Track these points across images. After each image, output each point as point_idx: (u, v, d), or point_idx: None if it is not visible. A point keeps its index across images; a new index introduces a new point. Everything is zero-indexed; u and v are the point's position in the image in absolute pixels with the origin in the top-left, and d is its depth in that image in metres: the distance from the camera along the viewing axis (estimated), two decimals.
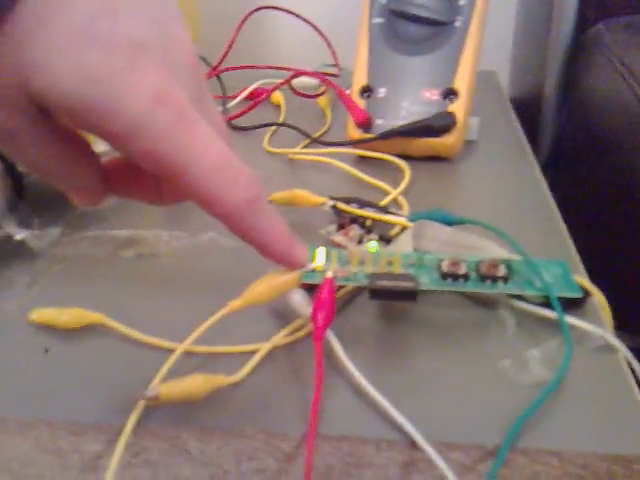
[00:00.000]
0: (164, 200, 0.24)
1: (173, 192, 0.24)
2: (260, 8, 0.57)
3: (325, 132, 0.49)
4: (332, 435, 0.23)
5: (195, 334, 0.25)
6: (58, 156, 0.20)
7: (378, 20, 0.43)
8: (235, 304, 0.26)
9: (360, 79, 0.43)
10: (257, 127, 0.49)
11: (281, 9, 0.57)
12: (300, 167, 0.44)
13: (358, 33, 0.44)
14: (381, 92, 0.43)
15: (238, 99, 0.55)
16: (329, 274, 0.26)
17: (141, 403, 0.23)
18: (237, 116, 0.50)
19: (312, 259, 0.28)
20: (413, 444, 0.22)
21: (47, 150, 0.20)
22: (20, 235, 0.34)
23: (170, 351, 0.26)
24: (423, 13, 0.41)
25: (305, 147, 0.46)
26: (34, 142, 0.19)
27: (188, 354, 0.26)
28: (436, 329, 0.28)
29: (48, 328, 0.28)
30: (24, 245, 0.34)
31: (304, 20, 0.58)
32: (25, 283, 0.32)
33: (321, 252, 0.28)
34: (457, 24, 0.42)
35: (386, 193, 0.39)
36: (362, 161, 0.43)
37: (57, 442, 0.23)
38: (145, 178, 0.23)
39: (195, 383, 0.24)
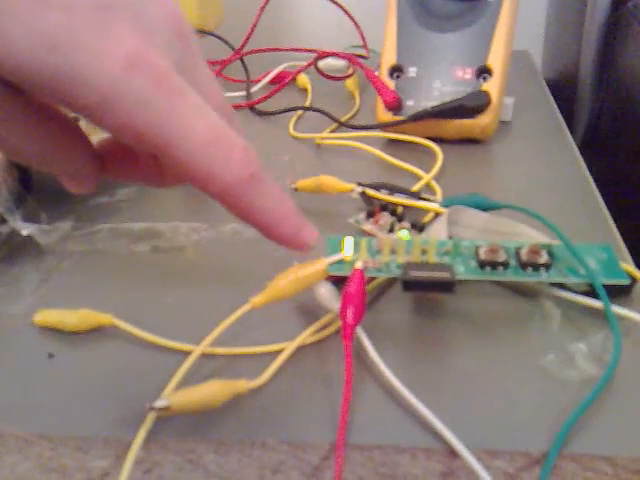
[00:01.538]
0: (165, 181, 0.22)
1: (173, 172, 0.22)
2: None
3: (353, 115, 0.48)
4: (363, 444, 0.21)
5: (213, 335, 0.24)
6: (38, 137, 0.18)
7: None
8: (257, 300, 0.24)
9: (389, 58, 0.42)
10: (283, 111, 0.47)
11: None
12: (327, 152, 0.42)
13: (386, 11, 0.42)
14: (411, 72, 0.41)
15: (262, 82, 0.54)
16: (359, 265, 0.25)
17: (151, 414, 0.22)
18: (262, 100, 0.49)
19: (340, 249, 0.27)
20: (452, 452, 0.20)
21: (21, 131, 0.18)
22: (27, 230, 0.33)
23: (186, 354, 0.24)
24: None
25: (332, 131, 0.45)
26: (3, 122, 0.17)
27: (206, 357, 0.24)
28: (474, 323, 0.26)
29: (53, 331, 0.26)
30: (32, 241, 0.33)
31: (332, 1, 0.56)
32: (32, 281, 0.30)
33: (349, 241, 0.27)
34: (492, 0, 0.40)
35: (417, 178, 0.37)
36: (392, 145, 0.42)
37: (60, 459, 0.22)
38: (141, 157, 0.21)
39: (212, 390, 0.22)
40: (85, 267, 0.31)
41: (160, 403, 0.21)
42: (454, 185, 0.36)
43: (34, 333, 0.27)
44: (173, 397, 0.21)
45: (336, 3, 0.57)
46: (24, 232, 0.32)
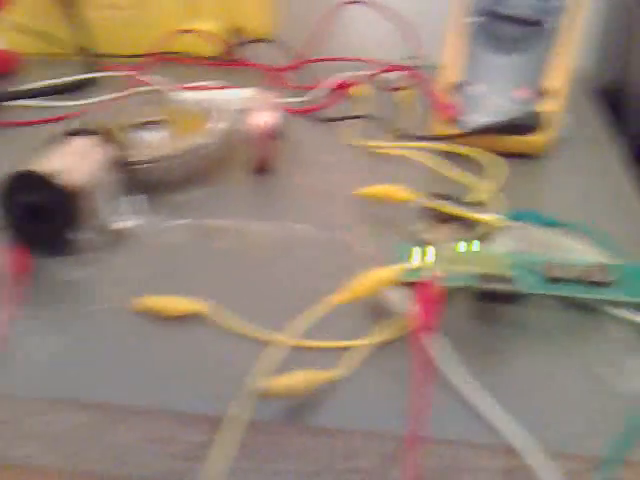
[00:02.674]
0: None
1: None
2: (350, 2, 0.58)
3: (409, 126, 0.49)
4: (432, 437, 0.23)
5: (299, 327, 0.26)
6: None
7: (472, 18, 0.43)
8: (339, 298, 0.27)
9: (450, 75, 0.43)
10: (340, 119, 0.49)
11: (367, 2, 0.57)
12: (382, 161, 0.44)
13: (449, 29, 0.44)
14: (471, 89, 0.43)
15: (319, 91, 0.56)
16: (432, 273, 0.27)
17: (248, 395, 0.24)
18: (320, 108, 0.51)
19: (408, 257, 0.29)
20: (514, 451, 0.22)
21: None
22: (126, 224, 0.36)
23: (269, 343, 0.27)
24: (520, 13, 0.41)
25: (387, 140, 0.46)
26: None
27: (285, 347, 0.27)
28: (534, 332, 0.28)
29: (151, 316, 0.29)
30: (128, 233, 0.36)
31: (389, 13, 0.58)
32: (128, 270, 0.33)
33: (416, 250, 0.29)
34: (551, 24, 0.41)
35: (474, 190, 0.39)
36: (446, 157, 0.44)
37: (161, 431, 0.24)
38: None
39: (299, 379, 0.24)
40: (170, 259, 0.34)
41: (260, 386, 0.23)
42: (510, 199, 0.38)
43: (134, 317, 0.29)
44: (269, 382, 0.24)
45: (393, 16, 0.59)
46: (122, 225, 0.35)
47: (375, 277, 0.28)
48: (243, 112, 0.44)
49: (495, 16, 0.42)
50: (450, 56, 0.44)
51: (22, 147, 0.48)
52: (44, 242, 0.33)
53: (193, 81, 0.57)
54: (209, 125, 0.42)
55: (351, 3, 0.58)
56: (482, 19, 0.43)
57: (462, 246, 0.32)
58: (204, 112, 0.45)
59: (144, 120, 0.44)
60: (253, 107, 0.44)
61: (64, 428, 0.25)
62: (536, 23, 0.41)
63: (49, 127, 0.51)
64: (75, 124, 0.43)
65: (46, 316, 0.30)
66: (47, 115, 0.53)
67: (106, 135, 0.38)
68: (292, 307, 0.29)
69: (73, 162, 0.35)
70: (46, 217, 0.32)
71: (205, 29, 0.65)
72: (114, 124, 0.43)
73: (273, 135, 0.41)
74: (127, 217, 0.36)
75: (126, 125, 0.43)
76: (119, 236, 0.35)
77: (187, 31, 0.65)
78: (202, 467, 0.23)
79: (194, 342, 0.28)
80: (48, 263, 0.33)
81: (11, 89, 0.57)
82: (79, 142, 0.37)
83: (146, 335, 0.28)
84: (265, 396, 0.24)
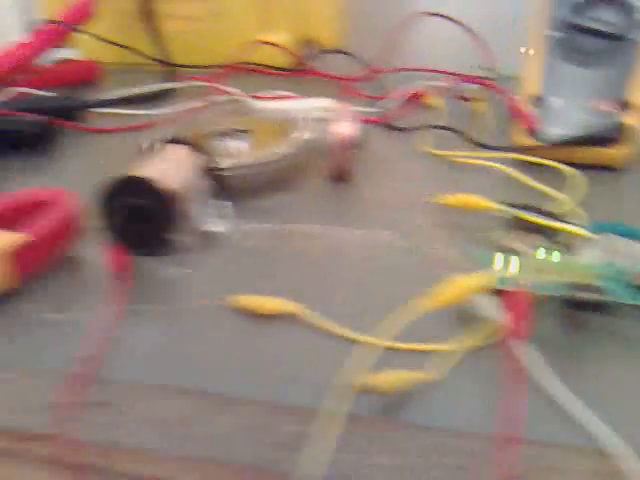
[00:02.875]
0: None
1: None
2: (424, 14, 0.59)
3: (483, 136, 0.50)
4: (522, 438, 0.23)
5: (388, 329, 0.27)
6: None
7: (554, 32, 0.43)
8: (427, 304, 0.28)
9: (531, 87, 0.44)
10: (414, 129, 0.50)
11: (444, 16, 0.58)
12: (459, 170, 0.45)
13: (528, 41, 0.44)
14: (552, 101, 0.43)
15: (392, 101, 0.57)
16: (521, 281, 0.28)
17: (344, 390, 0.25)
18: (393, 118, 0.52)
19: (491, 264, 0.29)
20: (604, 453, 0.23)
21: None
22: (215, 227, 0.38)
23: (360, 344, 0.28)
24: (603, 28, 0.42)
25: (463, 150, 0.47)
26: None
27: (376, 348, 0.28)
28: (624, 341, 0.28)
29: (245, 313, 0.31)
30: (217, 236, 0.37)
31: (461, 25, 0.59)
32: (219, 270, 0.35)
33: (499, 258, 0.30)
34: (634, 38, 0.42)
35: (553, 201, 0.39)
36: (524, 168, 0.44)
37: (256, 419, 0.25)
38: None
39: (394, 377, 0.25)
40: (258, 261, 0.35)
41: (360, 382, 0.24)
42: (592, 211, 0.38)
43: (229, 313, 0.31)
44: (367, 379, 0.25)
45: (466, 27, 0.59)
46: (213, 228, 0.37)
47: (463, 284, 0.28)
48: (322, 122, 0.46)
49: (576, 29, 0.43)
50: (529, 68, 0.44)
51: (108, 152, 0.51)
52: (143, 242, 0.35)
53: (267, 91, 0.59)
54: (291, 135, 0.44)
55: (423, 14, 0.59)
56: (562, 32, 0.43)
57: (545, 255, 0.32)
58: (285, 122, 0.46)
59: (227, 129, 0.46)
60: (332, 117, 0.45)
61: (171, 414, 0.26)
62: (618, 37, 0.42)
63: (134, 134, 0.54)
64: (168, 133, 0.45)
65: (149, 311, 0.31)
66: (129, 122, 0.56)
67: (196, 144, 0.40)
68: (378, 310, 0.30)
69: (169, 168, 0.37)
70: (146, 219, 0.34)
71: (277, 40, 0.67)
72: (201, 133, 0.45)
73: (352, 145, 0.43)
74: (216, 221, 0.38)
75: (212, 134, 0.46)
76: (209, 238, 0.37)
77: (260, 42, 0.67)
78: (299, 457, 0.24)
79: (286, 339, 0.29)
80: (146, 262, 0.35)
81: (95, 97, 0.60)
82: (173, 150, 0.39)
83: (241, 330, 0.30)
84: (361, 391, 0.25)
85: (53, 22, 0.65)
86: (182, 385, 0.27)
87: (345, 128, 0.43)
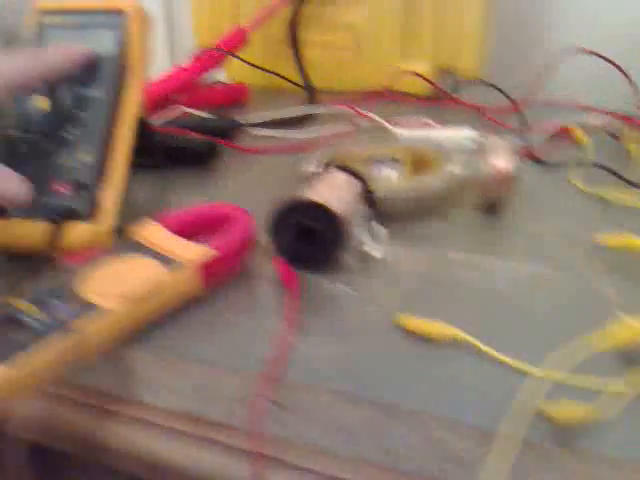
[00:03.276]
0: None
1: None
2: (572, 49, 0.59)
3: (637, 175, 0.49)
4: None
5: (565, 363, 0.28)
6: None
7: None
8: (598, 342, 0.28)
9: None
10: (565, 164, 0.50)
11: (593, 52, 0.58)
12: (612, 208, 0.45)
13: None
14: None
15: (539, 133, 0.57)
16: None
17: (520, 415, 0.27)
18: (540, 151, 0.52)
19: None
20: None
21: None
22: (372, 249, 0.40)
23: (528, 374, 0.29)
24: None
25: (617, 188, 0.47)
26: None
27: (549, 380, 0.29)
28: None
29: (409, 333, 0.33)
30: (375, 258, 0.40)
31: (611, 62, 0.58)
32: (380, 291, 0.37)
33: None
34: None
35: None
36: None
37: (434, 434, 0.27)
38: None
39: (571, 408, 0.26)
40: (417, 285, 0.37)
41: (538, 408, 0.26)
42: None
43: (396, 332, 0.33)
44: (545, 406, 0.26)
45: (612, 63, 0.59)
46: (370, 251, 0.39)
47: (635, 326, 0.29)
48: (473, 153, 0.47)
49: None
50: None
51: (264, 171, 0.55)
52: (312, 260, 0.38)
53: (409, 118, 0.62)
54: (444, 166, 0.46)
55: (570, 49, 0.59)
56: None
57: None
58: (437, 152, 0.48)
59: (380, 155, 0.48)
60: (485, 148, 0.46)
61: (348, 418, 0.29)
62: None
63: (286, 156, 0.58)
64: (324, 158, 0.48)
65: (320, 323, 0.34)
66: (278, 143, 0.60)
67: (355, 170, 0.43)
68: (541, 342, 0.31)
69: (334, 193, 0.40)
70: (318, 239, 0.37)
71: (418, 69, 0.69)
72: (356, 159, 0.48)
73: (507, 177, 0.44)
74: (372, 244, 0.41)
75: (365, 160, 0.48)
76: (367, 260, 0.40)
77: (401, 70, 0.69)
78: (475, 475, 0.26)
79: (454, 361, 0.31)
80: (313, 278, 0.38)
81: (248, 119, 0.65)
82: (334, 175, 0.42)
83: (410, 349, 0.32)
84: (537, 418, 0.26)
85: (210, 48, 0.71)
86: (359, 393, 0.29)
87: (500, 160, 0.44)
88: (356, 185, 0.42)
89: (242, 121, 0.64)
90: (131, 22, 0.44)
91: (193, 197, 0.50)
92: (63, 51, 0.42)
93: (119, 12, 0.44)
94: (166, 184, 0.53)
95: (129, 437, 0.31)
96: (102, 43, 0.44)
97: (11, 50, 0.40)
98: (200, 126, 0.60)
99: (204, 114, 0.66)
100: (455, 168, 0.45)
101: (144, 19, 0.45)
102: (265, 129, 0.64)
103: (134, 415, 0.32)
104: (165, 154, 0.55)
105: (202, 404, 0.31)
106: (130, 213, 0.42)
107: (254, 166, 0.56)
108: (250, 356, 0.32)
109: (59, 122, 0.42)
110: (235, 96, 0.75)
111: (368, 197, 0.42)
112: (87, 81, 0.43)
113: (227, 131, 0.61)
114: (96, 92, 0.43)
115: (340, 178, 0.42)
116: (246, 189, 0.52)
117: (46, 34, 0.45)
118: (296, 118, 0.67)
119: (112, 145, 0.42)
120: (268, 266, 0.38)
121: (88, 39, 0.44)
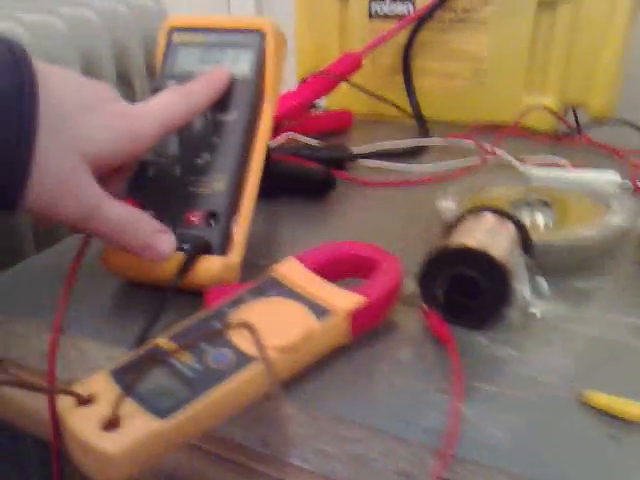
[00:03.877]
0: None
1: None
2: None
3: None
4: None
5: None
6: None
7: None
8: None
9: None
10: None
11: None
12: None
13: None
14: None
15: None
16: None
17: None
18: None
19: None
20: None
21: None
22: (532, 305, 0.36)
23: None
24: None
25: None
26: None
27: None
28: None
29: (601, 412, 0.28)
30: (536, 316, 0.35)
31: None
32: (550, 357, 0.32)
33: None
34: None
35: None
36: None
37: None
38: None
39: None
40: (591, 352, 0.32)
41: None
42: None
43: (579, 408, 0.29)
44: None
45: None
46: (533, 307, 0.35)
47: None
48: (625, 200, 0.43)
49: None
50: None
51: (381, 206, 0.51)
52: (469, 315, 0.34)
53: (538, 156, 0.57)
54: (603, 216, 0.41)
55: None
56: None
57: None
58: (593, 198, 0.44)
59: (530, 199, 0.44)
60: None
61: None
62: None
63: (402, 189, 0.54)
64: (466, 197, 0.44)
65: (488, 390, 0.30)
66: (387, 175, 0.57)
67: (508, 212, 0.39)
68: None
69: (489, 238, 0.35)
70: (476, 292, 0.33)
71: (544, 103, 0.65)
72: (503, 200, 0.44)
73: None
74: (532, 299, 0.36)
75: (509, 201, 0.44)
76: (527, 317, 0.35)
77: (528, 105, 0.65)
78: None
79: None
80: (465, 334, 0.34)
81: (359, 149, 0.61)
82: (488, 218, 0.38)
83: (601, 431, 0.27)
84: None
85: (322, 73, 0.68)
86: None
87: None
88: (512, 231, 0.38)
89: (359, 151, 0.61)
90: (268, 42, 0.41)
91: (313, 231, 0.47)
92: (209, 83, 0.39)
93: (257, 31, 0.42)
94: (282, 214, 0.50)
95: None
96: (238, 64, 0.41)
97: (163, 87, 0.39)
98: (313, 155, 0.57)
99: (313, 141, 0.63)
100: (615, 218, 0.41)
101: (280, 39, 0.42)
102: (376, 160, 0.60)
103: (279, 477, 0.28)
104: (281, 183, 0.52)
105: (359, 474, 0.27)
106: (251, 245, 0.39)
107: (370, 200, 0.53)
108: (412, 423, 0.28)
109: (193, 148, 0.40)
110: (339, 123, 0.72)
111: (527, 245, 0.38)
112: (222, 105, 0.40)
113: (341, 161, 0.58)
114: (230, 116, 0.40)
115: (491, 221, 0.38)
116: (368, 225, 0.48)
117: (175, 52, 0.43)
118: (408, 149, 0.63)
119: (245, 173, 0.39)
120: (411, 316, 0.35)
121: (222, 59, 0.42)
